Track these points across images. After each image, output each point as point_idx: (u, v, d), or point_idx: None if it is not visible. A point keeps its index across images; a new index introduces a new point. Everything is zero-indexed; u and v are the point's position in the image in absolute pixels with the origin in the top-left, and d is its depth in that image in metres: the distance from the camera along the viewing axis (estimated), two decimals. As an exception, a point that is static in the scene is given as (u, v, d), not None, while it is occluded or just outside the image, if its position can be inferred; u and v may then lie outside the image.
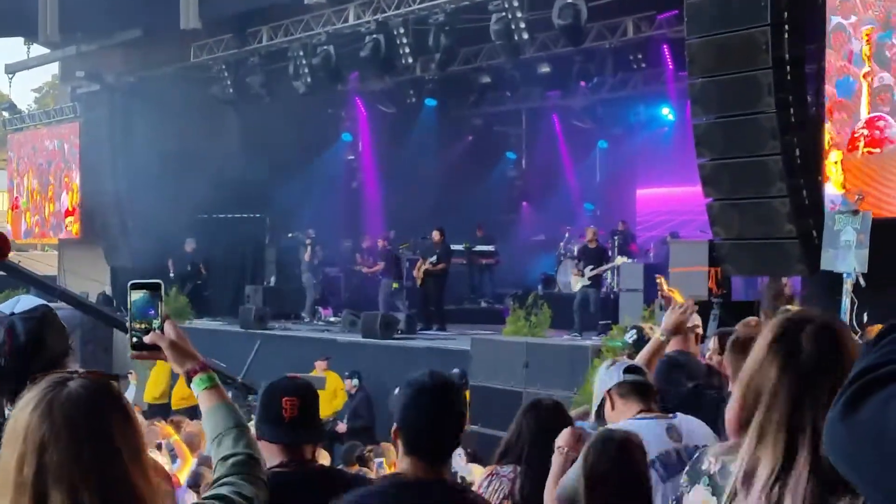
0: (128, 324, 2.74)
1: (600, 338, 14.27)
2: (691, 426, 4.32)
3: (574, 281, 17.64)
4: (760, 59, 12.06)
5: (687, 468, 2.58)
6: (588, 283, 17.02)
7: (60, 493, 2.00)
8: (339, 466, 9.79)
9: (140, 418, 9.38)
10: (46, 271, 24.28)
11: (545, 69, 20.54)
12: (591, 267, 17.22)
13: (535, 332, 15.12)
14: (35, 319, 2.79)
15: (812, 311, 2.46)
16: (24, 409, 2.07)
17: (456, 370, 13.98)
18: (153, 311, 2.75)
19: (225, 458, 2.63)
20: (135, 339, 2.74)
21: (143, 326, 2.74)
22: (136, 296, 2.75)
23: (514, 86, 22.29)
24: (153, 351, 2.74)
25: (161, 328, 2.74)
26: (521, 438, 4.76)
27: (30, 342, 2.73)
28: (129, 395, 16.41)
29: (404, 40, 18.40)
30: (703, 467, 2.46)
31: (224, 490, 2.54)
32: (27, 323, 2.77)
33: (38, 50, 27.71)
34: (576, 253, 19.02)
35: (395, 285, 21.68)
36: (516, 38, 16.98)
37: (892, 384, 1.11)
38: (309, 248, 21.53)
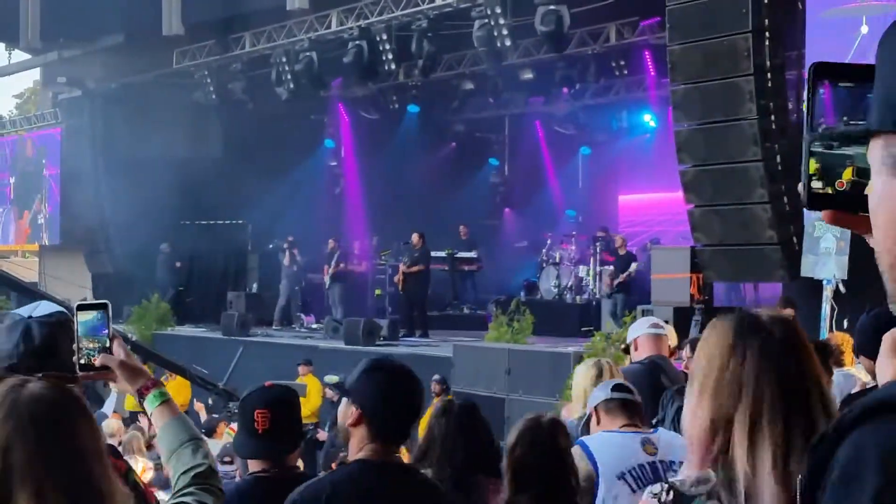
0: (75, 345, 2.74)
1: (582, 344, 14.27)
2: (670, 440, 4.31)
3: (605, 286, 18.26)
4: (742, 66, 12.12)
5: None
6: (617, 290, 17.54)
7: (25, 492, 1.99)
8: (321, 473, 9.77)
9: (120, 425, 9.27)
10: (28, 277, 24.19)
11: (528, 75, 20.57)
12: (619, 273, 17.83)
13: (517, 339, 15.11)
14: (51, 325, 2.80)
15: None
16: None
17: (437, 376, 13.97)
18: (105, 331, 2.76)
19: (186, 471, 2.65)
20: (82, 361, 2.75)
21: (95, 345, 2.75)
22: (85, 316, 2.76)
23: (496, 92, 22.30)
24: (101, 371, 2.75)
25: (109, 348, 2.76)
26: (431, 441, 4.70)
27: (44, 346, 2.73)
28: (111, 402, 16.33)
29: (387, 46, 18.41)
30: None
31: (187, 499, 2.56)
32: (43, 327, 2.78)
33: (19, 55, 27.62)
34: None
35: (378, 292, 21.73)
36: (499, 44, 17.01)
37: None
38: (287, 254, 21.51)
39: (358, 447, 3.28)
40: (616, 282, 17.56)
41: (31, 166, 27.21)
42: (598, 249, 19.61)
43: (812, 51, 12.50)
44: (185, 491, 2.61)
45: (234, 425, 12.66)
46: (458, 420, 4.50)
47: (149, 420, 2.79)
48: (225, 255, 23.99)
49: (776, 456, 2.19)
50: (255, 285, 22.86)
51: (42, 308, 2.86)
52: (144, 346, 16.77)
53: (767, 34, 12.15)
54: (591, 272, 19.63)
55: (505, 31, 16.80)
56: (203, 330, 21.43)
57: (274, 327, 21.13)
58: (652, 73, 20.34)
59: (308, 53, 19.42)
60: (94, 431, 2.14)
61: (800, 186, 1.26)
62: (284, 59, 19.99)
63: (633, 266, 17.49)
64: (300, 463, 5.07)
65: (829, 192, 1.25)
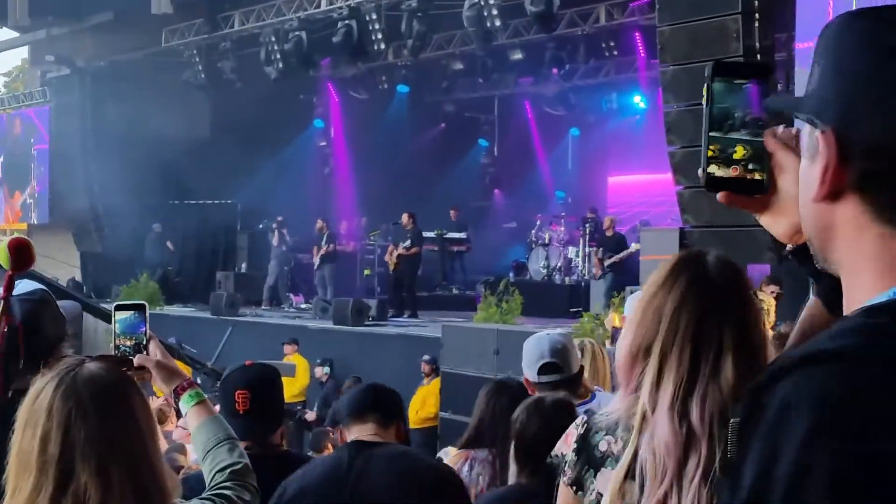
0: (112, 343, 2.78)
1: (571, 325, 14.30)
2: (609, 399, 4.32)
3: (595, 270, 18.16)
4: (731, 47, 12.12)
5: (571, 455, 2.45)
6: (608, 270, 17.52)
7: (88, 469, 2.02)
8: (309, 453, 9.79)
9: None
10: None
11: (517, 56, 20.55)
12: (609, 255, 17.72)
13: (506, 319, 15.14)
14: (32, 302, 2.80)
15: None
16: (45, 390, 2.08)
17: (427, 356, 14.00)
18: (143, 329, 2.82)
19: (223, 469, 2.67)
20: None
21: (132, 343, 2.80)
22: (122, 315, 2.82)
23: (486, 72, 22.28)
24: (139, 371, 2.79)
25: (146, 348, 2.80)
26: (493, 421, 4.72)
27: (25, 324, 2.73)
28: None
29: (377, 26, 18.37)
30: (602, 450, 2.38)
31: (227, 492, 2.59)
32: (24, 305, 2.78)
33: (7, 34, 27.50)
34: (590, 241, 19.41)
35: (367, 271, 21.72)
36: (489, 24, 17.00)
37: None
38: (276, 233, 21.50)
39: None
40: (608, 262, 17.55)
41: (19, 145, 27.11)
42: (587, 230, 19.64)
43: (803, 32, 12.51)
44: (223, 485, 2.63)
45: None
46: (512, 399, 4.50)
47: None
48: (213, 235, 23.96)
49: (676, 393, 2.21)
50: (243, 265, 22.84)
51: (22, 286, 2.86)
52: None
53: (757, 15, 12.15)
54: (581, 253, 19.66)
55: (495, 12, 16.78)
56: (192, 310, 21.42)
57: (263, 307, 21.13)
58: (642, 55, 20.33)
59: (297, 33, 19.37)
60: (148, 411, 2.18)
61: (700, 171, 1.45)
62: (274, 39, 19.93)
63: (634, 246, 17.49)
64: (284, 443, 5.08)
65: (726, 176, 1.47)
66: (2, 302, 2.59)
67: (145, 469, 2.08)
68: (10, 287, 2.62)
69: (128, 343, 2.80)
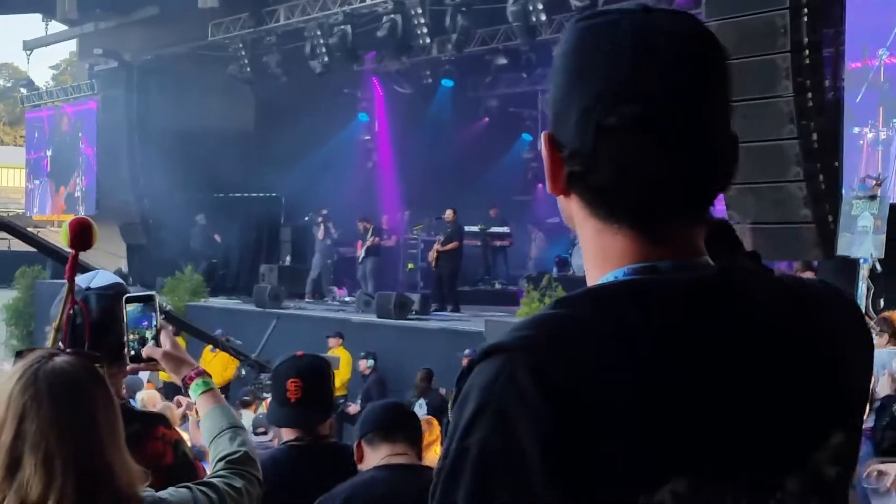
0: (125, 336, 2.80)
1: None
2: None
3: None
4: (779, 43, 12.01)
5: None
6: None
7: (34, 458, 2.06)
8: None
9: (157, 396, 9.33)
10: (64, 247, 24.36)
11: (562, 51, 20.46)
12: None
13: (549, 315, 15.10)
14: (109, 297, 2.82)
15: None
16: (10, 380, 2.13)
17: (468, 350, 14.00)
18: (146, 322, 2.81)
19: (223, 458, 2.70)
20: (132, 352, 2.81)
21: (135, 337, 2.80)
22: (130, 307, 2.81)
23: (530, 67, 22.22)
24: (149, 363, 2.81)
25: (156, 339, 2.81)
26: None
27: (101, 319, 2.76)
28: (144, 373, 16.45)
29: (421, 20, 18.37)
30: None
31: (215, 480, 2.60)
32: (101, 300, 2.80)
33: (56, 27, 27.82)
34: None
35: (410, 266, 21.74)
36: (533, 19, 16.95)
37: None
38: (322, 227, 21.57)
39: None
40: None
41: (66, 140, 27.37)
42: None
43: (853, 27, 12.38)
44: (215, 474, 2.65)
45: (267, 397, 12.73)
46: None
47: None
48: (257, 228, 24.09)
49: None
50: (287, 258, 22.93)
51: (99, 279, 2.88)
52: (178, 316, 16.86)
53: (805, 10, 12.03)
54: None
55: (539, 6, 16.73)
56: (236, 302, 21.55)
57: (306, 300, 21.21)
58: (687, 50, 20.16)
59: (342, 27, 19.40)
60: (110, 407, 2.19)
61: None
62: (318, 33, 19.98)
63: None
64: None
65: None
66: (67, 284, 2.62)
67: (94, 463, 2.10)
68: (74, 268, 2.64)
69: (131, 338, 2.81)
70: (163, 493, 2.37)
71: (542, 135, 1.36)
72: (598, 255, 1.33)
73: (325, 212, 21.74)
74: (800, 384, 1.29)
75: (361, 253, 21.00)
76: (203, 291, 21.69)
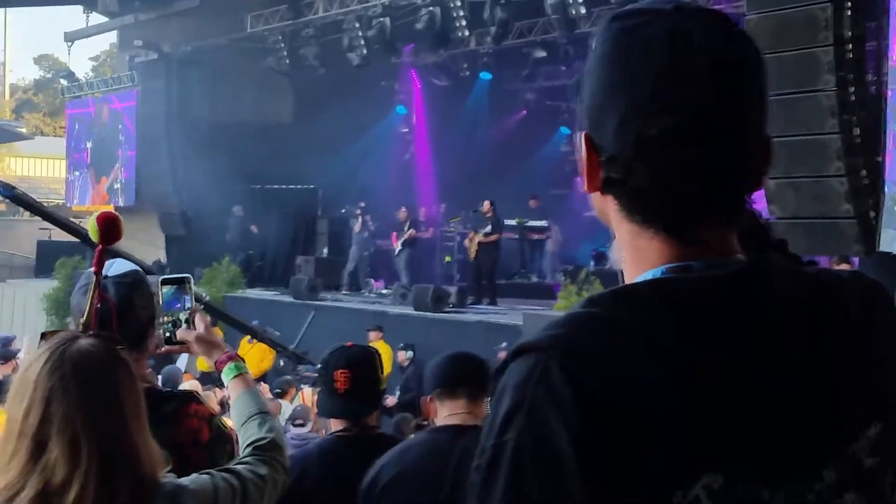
0: (159, 319, 2.84)
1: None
2: None
3: None
4: (821, 37, 11.89)
5: None
6: None
7: (61, 441, 2.08)
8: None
9: (198, 386, 9.39)
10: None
11: (600, 44, 20.37)
12: None
13: (586, 308, 15.06)
14: (126, 285, 2.84)
15: None
16: (36, 363, 2.15)
17: (504, 344, 13.97)
18: (178, 305, 2.86)
19: (250, 444, 2.71)
20: (167, 334, 2.86)
21: (169, 319, 2.85)
22: (164, 289, 2.86)
23: (568, 60, 22.12)
24: (183, 345, 2.87)
25: (190, 321, 2.86)
26: None
27: (119, 306, 2.78)
28: (182, 362, 16.55)
29: (460, 13, 18.37)
30: None
31: (239, 467, 2.60)
32: (119, 287, 2.82)
33: (96, 18, 28.02)
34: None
35: (447, 258, 21.73)
36: (572, 12, 16.90)
37: None
38: (360, 219, 21.60)
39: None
40: None
41: (106, 132, 27.55)
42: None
43: None
44: (241, 460, 2.66)
45: (305, 388, 12.78)
46: None
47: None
48: (294, 220, 24.15)
49: None
50: (324, 250, 22.97)
51: (116, 267, 2.90)
52: (217, 307, 16.96)
53: (848, 4, 11.90)
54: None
55: (579, 0, 16.69)
56: (273, 293, 21.62)
57: (343, 292, 21.26)
58: (727, 43, 20.02)
59: (381, 19, 19.42)
60: (135, 390, 2.21)
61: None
62: (357, 25, 20.01)
63: None
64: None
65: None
66: (94, 278, 2.63)
67: (119, 446, 2.12)
68: (101, 262, 2.65)
69: (166, 320, 2.86)
70: (184, 480, 2.37)
71: (581, 135, 1.37)
72: (634, 255, 1.36)
73: (362, 204, 21.76)
74: (833, 377, 1.30)
75: (398, 245, 21.01)
76: (240, 282, 21.79)
